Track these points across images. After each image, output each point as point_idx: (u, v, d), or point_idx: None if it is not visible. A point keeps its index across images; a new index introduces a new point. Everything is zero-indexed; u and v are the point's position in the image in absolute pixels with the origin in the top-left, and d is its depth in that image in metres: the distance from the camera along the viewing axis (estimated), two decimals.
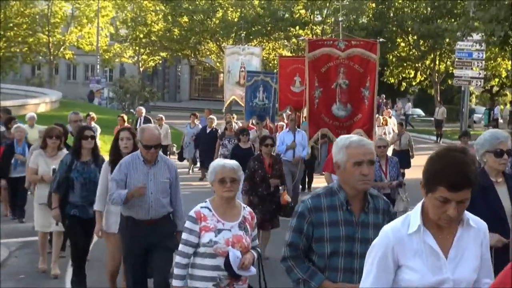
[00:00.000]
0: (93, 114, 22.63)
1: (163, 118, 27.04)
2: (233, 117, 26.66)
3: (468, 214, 4.15)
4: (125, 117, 25.98)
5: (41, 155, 11.80)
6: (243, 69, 27.37)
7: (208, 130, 24.44)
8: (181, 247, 6.68)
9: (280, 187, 13.45)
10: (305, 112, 20.78)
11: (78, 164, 10.50)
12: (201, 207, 6.70)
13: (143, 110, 27.90)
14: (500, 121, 51.10)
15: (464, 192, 3.88)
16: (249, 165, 13.36)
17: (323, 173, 14.97)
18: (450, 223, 4.06)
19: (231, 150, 18.85)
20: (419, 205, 4.15)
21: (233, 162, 6.87)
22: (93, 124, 20.81)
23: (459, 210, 3.94)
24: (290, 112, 21.87)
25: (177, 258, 6.70)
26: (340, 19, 14.46)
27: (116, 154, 9.64)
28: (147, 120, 26.34)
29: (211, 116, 25.31)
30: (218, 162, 6.89)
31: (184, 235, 6.67)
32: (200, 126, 25.97)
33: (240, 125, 25.15)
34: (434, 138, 44.24)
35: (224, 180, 6.63)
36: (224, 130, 23.29)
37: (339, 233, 5.37)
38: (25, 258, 12.93)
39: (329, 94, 13.28)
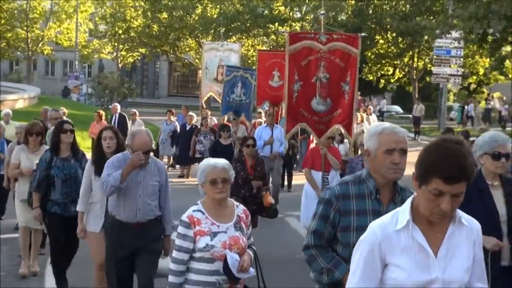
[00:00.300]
0: (63, 110, 22.33)
1: (137, 113, 26.86)
2: (208, 113, 26.69)
3: (460, 212, 3.99)
4: (102, 113, 25.89)
5: (23, 150, 11.52)
6: (221, 66, 26.97)
7: (188, 127, 24.39)
8: (175, 253, 6.36)
9: (263, 189, 13.07)
10: (283, 106, 20.82)
11: (58, 161, 10.17)
12: (193, 211, 6.41)
13: (118, 106, 27.57)
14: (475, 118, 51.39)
15: (460, 184, 3.73)
16: None
17: (303, 170, 14.88)
18: (443, 219, 3.89)
19: (211, 146, 18.71)
20: (409, 200, 4.01)
21: (224, 162, 6.54)
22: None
23: (453, 204, 3.78)
24: (267, 108, 21.91)
25: (171, 266, 6.38)
26: (322, 12, 13.96)
27: (99, 154, 9.38)
28: (121, 117, 26.37)
29: (190, 113, 25.29)
30: (208, 162, 6.55)
31: (178, 241, 6.35)
32: (177, 123, 25.98)
33: (216, 121, 25.49)
34: (412, 135, 44.39)
35: (216, 181, 6.34)
36: (200, 126, 23.35)
37: (366, 222, 4.70)
38: (5, 255, 12.83)
39: (308, 88, 12.95)
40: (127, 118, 26.38)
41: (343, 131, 14.04)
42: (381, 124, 5.39)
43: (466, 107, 52.43)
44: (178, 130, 25.35)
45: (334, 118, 13.15)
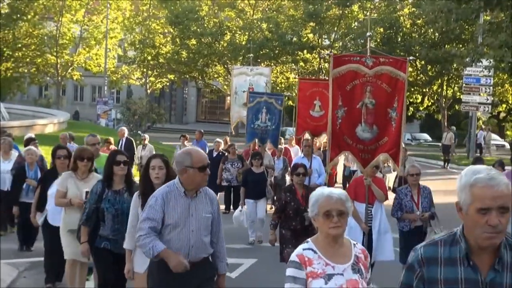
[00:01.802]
0: (111, 139, 22.07)
1: (147, 137, 26.52)
2: (227, 139, 26.26)
3: None
4: (111, 140, 25.48)
5: (71, 177, 10.67)
6: (250, 91, 25.73)
7: (215, 154, 23.55)
8: None
9: None
10: (322, 137, 20.36)
11: (110, 193, 9.42)
12: (304, 249, 5.54)
13: (126, 131, 26.66)
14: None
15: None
16: (280, 197, 12.74)
17: None
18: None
19: (243, 175, 18.16)
20: None
21: (340, 191, 5.68)
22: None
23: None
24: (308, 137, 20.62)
25: None
26: (368, 34, 12.97)
27: (146, 186, 8.53)
28: (128, 142, 25.71)
29: (218, 139, 24.80)
30: (321, 191, 5.66)
31: (288, 285, 5.49)
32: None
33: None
34: (441, 163, 44.07)
35: (330, 214, 5.49)
36: (226, 153, 22.85)
37: None
38: (34, 278, 12.80)
39: (353, 114, 12.22)
40: (134, 143, 26.07)
41: (390, 161, 12.82)
42: (475, 171, 4.22)
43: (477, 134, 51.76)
44: None
45: (380, 146, 12.36)
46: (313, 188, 12.92)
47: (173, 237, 7.32)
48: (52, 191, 11.20)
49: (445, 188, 14.10)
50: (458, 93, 52.01)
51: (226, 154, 22.76)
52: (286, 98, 26.26)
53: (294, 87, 57.02)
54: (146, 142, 26.05)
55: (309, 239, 5.64)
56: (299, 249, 5.56)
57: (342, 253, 5.59)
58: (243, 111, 25.50)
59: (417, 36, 57.36)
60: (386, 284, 11.68)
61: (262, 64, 58.47)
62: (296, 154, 25.15)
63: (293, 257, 5.50)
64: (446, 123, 53.37)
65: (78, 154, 10.72)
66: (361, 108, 12.19)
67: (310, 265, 5.45)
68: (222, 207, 20.65)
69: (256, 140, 21.98)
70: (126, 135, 26.06)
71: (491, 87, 44.88)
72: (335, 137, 12.37)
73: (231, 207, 22.07)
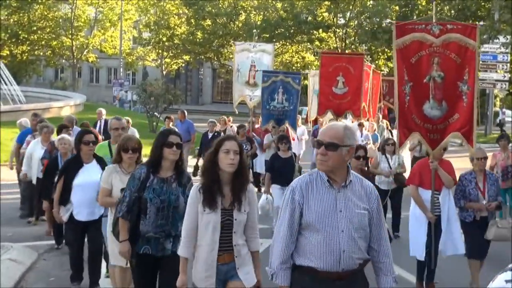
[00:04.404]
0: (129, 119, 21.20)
1: (130, 120, 24.83)
2: (229, 120, 25.92)
3: None
4: (172, 117, 24.47)
5: (116, 171, 8.95)
6: (253, 69, 24.63)
7: (210, 135, 22.49)
8: None
9: None
10: (327, 116, 19.64)
11: (155, 181, 7.68)
12: None
13: (103, 111, 24.60)
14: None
15: None
16: None
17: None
18: None
19: (269, 160, 16.32)
20: None
21: None
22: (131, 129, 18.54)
23: None
24: (332, 117, 19.70)
25: None
26: None
27: (213, 176, 6.80)
28: (107, 123, 24.04)
29: (211, 119, 23.83)
30: None
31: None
32: (176, 130, 23.26)
33: (236, 129, 22.97)
34: (459, 141, 43.77)
35: None
36: (222, 133, 21.45)
37: None
38: (54, 260, 12.82)
39: (420, 89, 10.85)
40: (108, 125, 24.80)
41: (462, 140, 11.18)
42: None
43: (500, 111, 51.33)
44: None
45: (450, 124, 11.00)
46: (371, 173, 12.29)
47: (315, 240, 5.62)
48: (77, 182, 10.15)
49: (463, 166, 13.71)
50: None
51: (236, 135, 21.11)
52: (302, 77, 25.32)
53: (310, 67, 56.90)
54: (129, 125, 21.22)
55: None
56: None
57: None
58: (246, 90, 24.67)
59: (432, 14, 56.98)
60: (448, 280, 11.52)
61: (278, 43, 58.32)
62: (302, 134, 24.79)
63: None
64: None
65: (122, 144, 9.01)
66: (429, 82, 10.92)
67: None
68: None
69: (272, 122, 20.85)
70: (104, 116, 24.07)
71: (508, 64, 44.62)
72: (404, 117, 11.08)
73: None
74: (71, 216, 10.40)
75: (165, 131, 8.16)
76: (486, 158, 11.41)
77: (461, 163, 14.88)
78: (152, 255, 7.65)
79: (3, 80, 40.90)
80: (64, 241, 13.20)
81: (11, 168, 18.02)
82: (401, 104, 10.95)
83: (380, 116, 26.13)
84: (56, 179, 11.11)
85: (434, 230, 10.90)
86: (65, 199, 10.49)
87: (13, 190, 18.55)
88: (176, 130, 9.10)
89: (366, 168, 12.42)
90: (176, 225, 7.61)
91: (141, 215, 7.66)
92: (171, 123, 24.04)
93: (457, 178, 11.28)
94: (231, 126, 25.06)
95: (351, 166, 8.75)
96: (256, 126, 23.42)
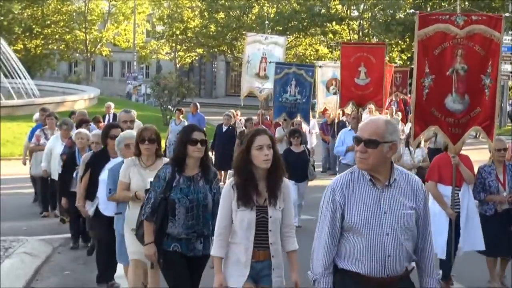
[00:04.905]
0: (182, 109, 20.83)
1: (135, 112, 24.61)
2: (237, 113, 25.66)
3: None
4: (183, 110, 24.41)
5: (135, 165, 8.57)
6: (264, 61, 24.14)
7: (225, 128, 22.44)
8: None
9: None
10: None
11: (182, 180, 7.40)
12: None
13: (112, 105, 24.75)
14: None
15: None
16: None
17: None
18: None
19: (282, 155, 15.74)
20: None
21: None
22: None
23: None
24: (353, 108, 19.53)
25: None
26: None
27: (248, 172, 6.53)
28: (115, 117, 22.86)
29: (227, 112, 23.45)
30: None
31: None
32: (186, 123, 21.24)
33: (243, 122, 23.12)
34: (473, 133, 43.62)
35: None
36: (243, 128, 21.70)
37: None
38: (69, 254, 12.85)
39: (443, 82, 10.56)
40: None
41: (483, 135, 11.07)
42: None
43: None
44: None
45: (472, 118, 10.72)
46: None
47: (358, 244, 5.35)
48: (104, 176, 9.65)
49: (478, 158, 13.56)
50: None
51: (243, 129, 21.44)
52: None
53: (323, 59, 56.76)
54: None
55: None
56: None
57: None
58: (255, 82, 24.30)
59: (446, 5, 56.78)
60: (468, 278, 11.26)
61: (291, 36, 58.23)
62: (313, 128, 24.50)
63: None
64: None
65: (138, 135, 8.57)
66: (452, 75, 10.64)
67: None
68: None
69: (284, 114, 20.56)
70: (112, 110, 24.08)
71: None
72: (420, 110, 10.82)
73: None
74: (98, 211, 10.13)
75: (188, 127, 7.83)
76: (506, 149, 11.08)
77: (476, 155, 14.77)
78: (182, 253, 7.39)
79: (17, 74, 41.00)
80: (80, 241, 13.36)
81: (24, 164, 18.15)
82: (419, 97, 10.71)
83: (394, 109, 26.00)
84: (75, 173, 11.19)
85: (454, 227, 10.65)
86: (91, 193, 10.33)
87: (27, 185, 18.67)
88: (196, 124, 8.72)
89: None
90: (207, 224, 7.43)
91: (169, 216, 7.37)
92: (181, 116, 24.07)
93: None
94: (240, 120, 24.95)
95: None
96: (267, 118, 23.16)
